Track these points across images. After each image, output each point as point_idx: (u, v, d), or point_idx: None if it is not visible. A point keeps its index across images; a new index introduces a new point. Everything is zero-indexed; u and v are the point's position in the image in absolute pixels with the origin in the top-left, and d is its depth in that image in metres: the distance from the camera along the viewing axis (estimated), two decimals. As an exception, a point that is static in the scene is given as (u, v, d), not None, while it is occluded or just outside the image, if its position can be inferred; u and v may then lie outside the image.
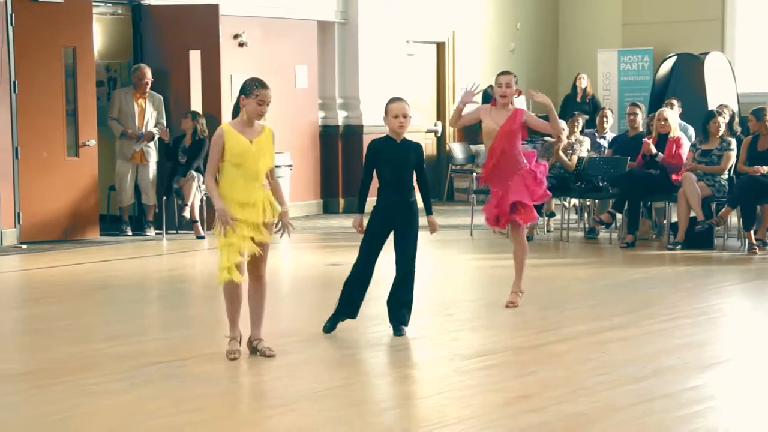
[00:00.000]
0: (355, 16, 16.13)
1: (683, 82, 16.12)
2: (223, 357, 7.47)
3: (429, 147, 17.70)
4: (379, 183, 7.80)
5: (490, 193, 8.99)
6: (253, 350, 7.20)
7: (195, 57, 13.93)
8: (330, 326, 7.86)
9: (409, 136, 17.21)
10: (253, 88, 7.05)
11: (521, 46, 19.23)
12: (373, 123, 16.17)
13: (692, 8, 18.13)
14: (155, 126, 13.75)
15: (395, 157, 7.74)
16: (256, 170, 6.98)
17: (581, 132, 13.71)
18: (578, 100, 15.76)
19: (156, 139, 13.81)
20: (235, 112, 7.20)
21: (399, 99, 7.84)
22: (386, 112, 7.77)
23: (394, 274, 7.77)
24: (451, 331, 8.15)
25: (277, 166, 14.46)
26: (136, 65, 13.82)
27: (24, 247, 12.58)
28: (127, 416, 6.00)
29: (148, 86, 13.67)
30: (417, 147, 7.89)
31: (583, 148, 13.44)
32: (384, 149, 7.77)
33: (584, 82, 16.70)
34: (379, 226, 7.76)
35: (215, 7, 13.83)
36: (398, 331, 7.72)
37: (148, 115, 13.75)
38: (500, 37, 18.96)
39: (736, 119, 13.60)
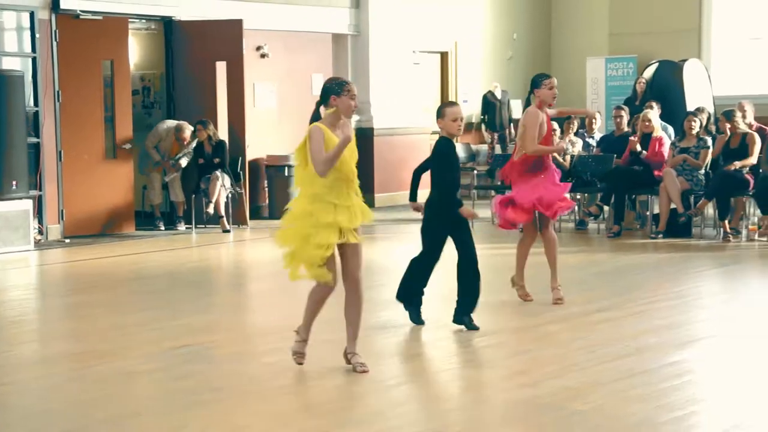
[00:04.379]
0: (366, 29, 16.12)
1: (664, 86, 16.05)
2: (247, 338, 7.50)
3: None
4: (447, 183, 7.36)
5: (521, 189, 8.27)
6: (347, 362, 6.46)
7: (221, 67, 13.94)
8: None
9: (416, 137, 17.14)
10: (343, 85, 6.31)
11: (517, 54, 19.19)
12: (384, 126, 16.18)
13: (672, 19, 18.07)
14: (184, 155, 13.74)
15: (457, 158, 7.52)
16: (349, 172, 6.22)
17: (575, 133, 13.71)
18: (637, 102, 15.60)
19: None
20: (315, 117, 6.39)
21: (455, 103, 7.47)
22: (443, 115, 7.30)
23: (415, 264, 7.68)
24: (452, 315, 8.13)
25: (297, 166, 14.70)
26: (180, 125, 13.65)
27: (67, 241, 12.62)
28: (160, 394, 6.03)
29: (187, 141, 13.68)
30: None
31: (576, 149, 13.43)
32: (453, 151, 7.43)
33: (642, 86, 16.44)
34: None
35: (239, 22, 13.84)
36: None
37: (180, 149, 13.78)
38: (498, 47, 18.92)
39: (711, 119, 13.58)
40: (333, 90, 6.31)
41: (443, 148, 7.39)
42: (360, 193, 6.31)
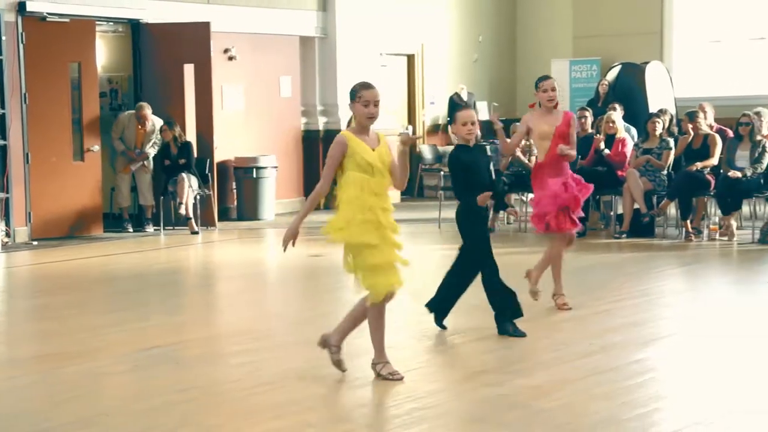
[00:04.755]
0: (333, 31, 16.11)
1: (627, 88, 16.16)
2: (215, 339, 7.49)
3: (401, 149, 17.68)
4: (468, 188, 7.11)
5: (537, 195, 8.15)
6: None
7: (189, 70, 13.88)
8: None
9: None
10: (356, 91, 5.93)
11: (483, 56, 19.24)
12: (350, 127, 16.16)
13: (635, 22, 18.20)
14: (150, 145, 13.68)
15: (478, 160, 7.20)
16: (381, 184, 5.91)
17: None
18: (599, 104, 15.61)
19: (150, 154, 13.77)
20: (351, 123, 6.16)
21: (466, 106, 7.37)
22: (455, 121, 7.07)
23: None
24: (420, 314, 8.14)
25: (263, 167, 14.71)
26: (138, 104, 13.71)
27: (35, 243, 12.52)
28: (129, 395, 5.99)
29: (148, 120, 13.62)
30: (483, 148, 7.37)
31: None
32: (466, 157, 7.09)
33: (605, 88, 16.46)
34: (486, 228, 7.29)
35: (207, 24, 13.79)
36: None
37: (146, 138, 13.72)
38: (464, 49, 18.97)
39: (674, 121, 13.69)
40: (351, 95, 5.97)
41: (452, 157, 7.15)
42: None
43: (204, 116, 13.87)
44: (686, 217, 11.95)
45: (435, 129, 18.35)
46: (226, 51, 14.83)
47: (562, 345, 6.95)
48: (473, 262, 7.26)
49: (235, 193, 14.87)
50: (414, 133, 17.98)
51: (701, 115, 12.30)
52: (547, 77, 8.16)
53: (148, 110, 13.61)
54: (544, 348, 6.91)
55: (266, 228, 14.05)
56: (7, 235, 12.35)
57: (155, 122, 13.69)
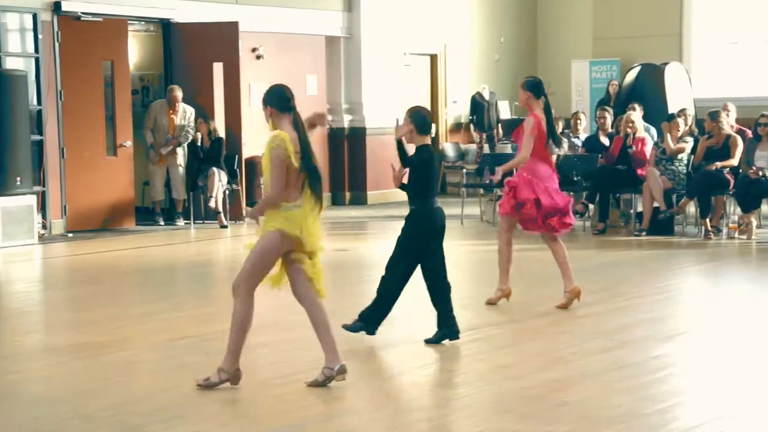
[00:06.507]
0: (359, 31, 16.10)
1: (646, 88, 16.06)
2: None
3: (424, 146, 17.65)
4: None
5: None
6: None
7: (218, 68, 13.91)
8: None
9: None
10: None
11: (504, 57, 19.18)
12: (375, 125, 16.17)
13: (654, 24, 18.10)
14: (183, 134, 13.67)
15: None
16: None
17: (560, 133, 13.74)
18: (611, 104, 15.50)
19: (185, 144, 13.73)
20: None
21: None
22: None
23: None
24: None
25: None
26: (169, 86, 13.74)
27: (70, 235, 12.59)
28: (159, 384, 6.01)
29: (179, 103, 13.64)
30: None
31: (562, 149, 13.42)
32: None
33: (615, 88, 16.40)
34: None
35: (235, 24, 13.82)
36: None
37: (178, 125, 13.72)
38: (486, 49, 18.91)
39: (693, 121, 13.61)
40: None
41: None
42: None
43: (232, 113, 13.90)
44: (705, 215, 11.87)
45: (457, 127, 18.31)
46: (253, 50, 14.84)
47: (583, 340, 6.93)
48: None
49: (262, 188, 14.88)
50: (437, 131, 17.94)
51: (723, 115, 12.21)
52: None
53: (178, 92, 13.57)
54: (565, 343, 6.89)
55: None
56: (44, 227, 12.41)
57: (186, 110, 13.69)
